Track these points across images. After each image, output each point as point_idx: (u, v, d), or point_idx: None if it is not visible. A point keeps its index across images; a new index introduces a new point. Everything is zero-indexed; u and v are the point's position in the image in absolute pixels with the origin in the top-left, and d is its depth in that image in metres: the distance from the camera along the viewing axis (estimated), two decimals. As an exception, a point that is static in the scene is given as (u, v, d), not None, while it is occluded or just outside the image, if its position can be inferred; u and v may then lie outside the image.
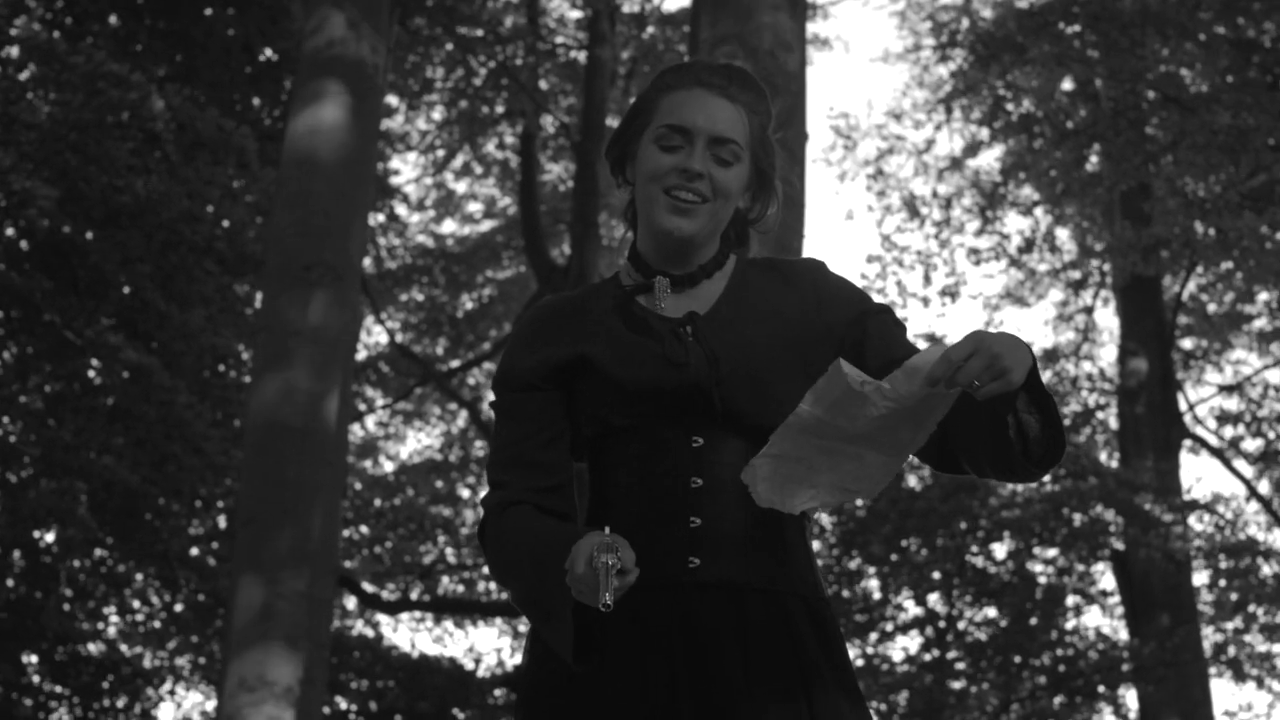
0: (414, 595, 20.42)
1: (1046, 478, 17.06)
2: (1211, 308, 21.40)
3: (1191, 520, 17.99)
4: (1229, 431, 20.42)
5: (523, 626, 21.17)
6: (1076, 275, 21.65)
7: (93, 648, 16.42)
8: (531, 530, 2.78)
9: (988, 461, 2.71)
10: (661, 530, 2.76)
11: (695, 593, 2.75)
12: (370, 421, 23.50)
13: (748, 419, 2.80)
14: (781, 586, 2.79)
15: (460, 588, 21.24)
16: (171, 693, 18.00)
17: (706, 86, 2.89)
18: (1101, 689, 17.16)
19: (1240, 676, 19.00)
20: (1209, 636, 18.76)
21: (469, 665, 19.71)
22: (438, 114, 21.97)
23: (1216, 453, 20.08)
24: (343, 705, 18.01)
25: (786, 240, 9.33)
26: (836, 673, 2.78)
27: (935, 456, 2.80)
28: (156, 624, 17.39)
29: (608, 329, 2.89)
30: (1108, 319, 32.57)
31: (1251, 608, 18.84)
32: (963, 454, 2.74)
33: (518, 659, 20.67)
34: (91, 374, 14.13)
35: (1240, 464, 20.30)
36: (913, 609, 17.27)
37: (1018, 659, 16.72)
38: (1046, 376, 18.89)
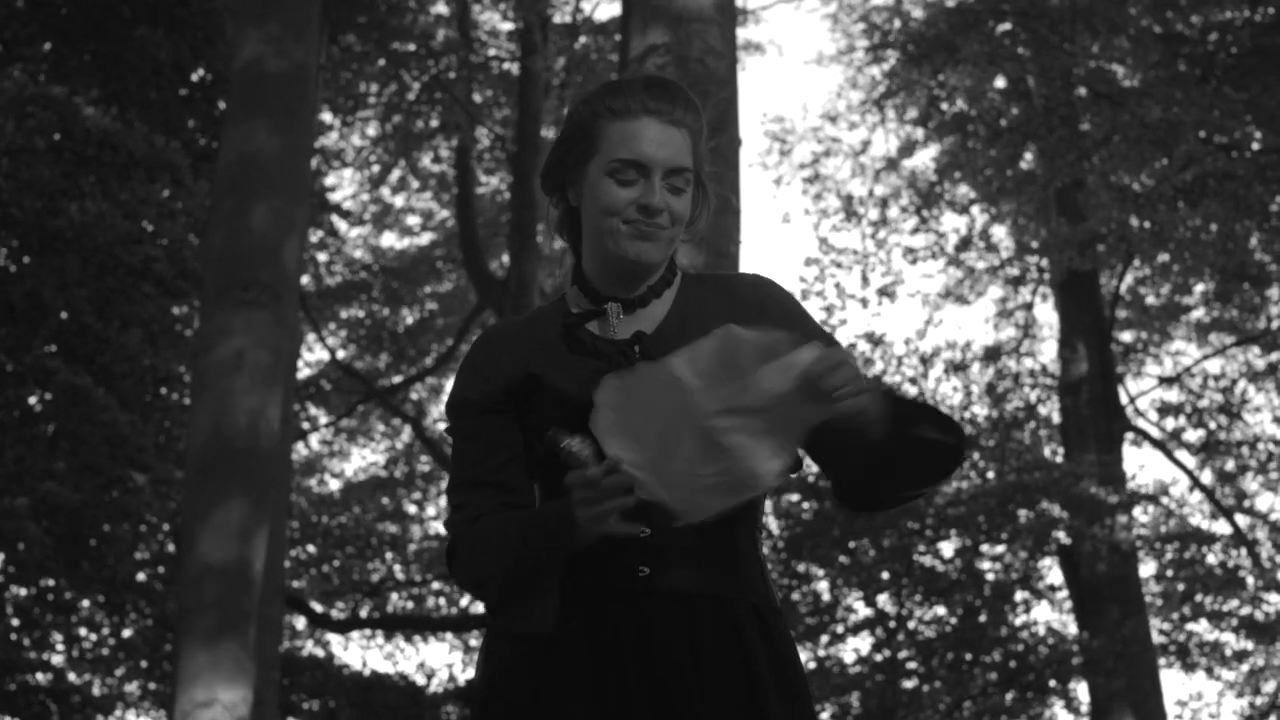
0: (363, 613, 20.36)
1: (990, 474, 17.15)
2: (1149, 300, 21.54)
3: (1136, 512, 18.09)
4: (1170, 423, 20.56)
5: (474, 641, 21.13)
6: (1014, 272, 21.75)
7: (40, 677, 16.29)
8: (507, 520, 2.82)
9: (908, 478, 2.83)
10: (611, 542, 2.75)
11: (646, 602, 2.78)
12: (314, 440, 23.41)
13: None
14: (732, 594, 2.82)
15: (410, 604, 21.19)
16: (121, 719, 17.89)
17: (655, 115, 2.89)
18: (1053, 683, 17.22)
19: (1189, 666, 19.11)
20: (1157, 627, 18.87)
21: (421, 681, 19.66)
22: (372, 129, 21.94)
23: (1158, 444, 20.21)
24: (295, 725, 17.93)
25: (721, 245, 9.33)
26: (786, 681, 2.83)
27: (842, 492, 2.90)
28: (105, 651, 17.27)
29: (556, 352, 2.91)
30: (1047, 314, 32.75)
31: (1198, 597, 18.96)
32: (875, 479, 2.84)
33: (470, 673, 20.62)
34: (32, 400, 14.03)
35: (1182, 455, 20.44)
36: (862, 610, 17.31)
37: (968, 656, 16.77)
38: (989, 373, 18.97)
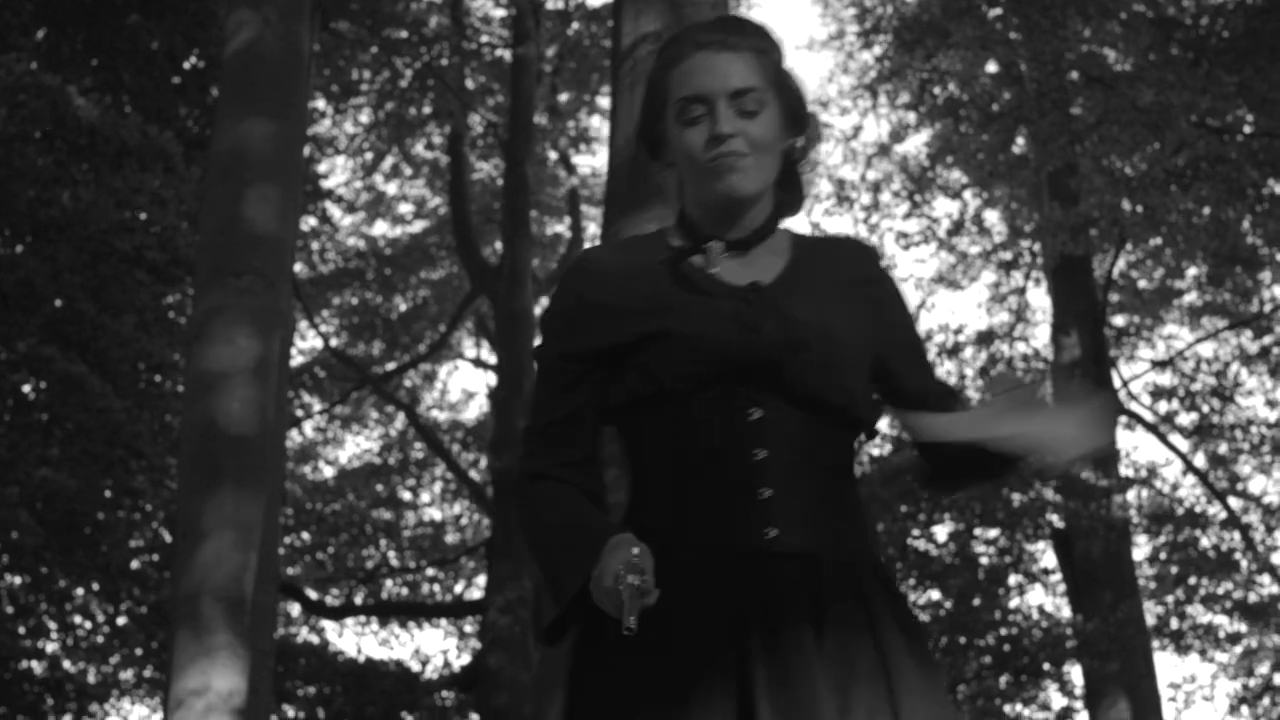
0: (358, 600, 20.38)
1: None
2: (1142, 284, 21.56)
3: (1130, 495, 18.13)
4: (1163, 406, 20.58)
5: (469, 626, 21.15)
6: (1007, 256, 21.76)
7: (35, 665, 16.29)
8: (560, 513, 2.76)
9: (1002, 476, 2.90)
10: (732, 502, 2.69)
11: (773, 563, 2.68)
12: (308, 427, 23.41)
13: (813, 392, 2.74)
14: (853, 556, 2.73)
15: (404, 590, 21.23)
16: (117, 707, 17.90)
17: (706, 47, 2.81)
18: (1047, 667, 17.26)
19: (1183, 649, 19.16)
20: (1151, 610, 18.90)
21: (415, 667, 19.69)
22: (365, 116, 21.92)
23: (1152, 428, 20.23)
24: (290, 713, 17.96)
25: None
26: (913, 643, 2.73)
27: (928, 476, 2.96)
28: (99, 639, 17.27)
29: (670, 290, 2.81)
30: (1040, 299, 32.74)
31: (1192, 580, 19.00)
32: (973, 475, 2.96)
33: (465, 659, 20.64)
34: (26, 388, 14.03)
35: (1175, 438, 20.47)
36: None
37: (962, 640, 16.80)
38: (982, 358, 19.00)
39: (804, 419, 2.73)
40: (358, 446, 24.21)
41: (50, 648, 16.79)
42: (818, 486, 2.73)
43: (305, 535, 19.96)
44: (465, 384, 56.66)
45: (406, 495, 22.90)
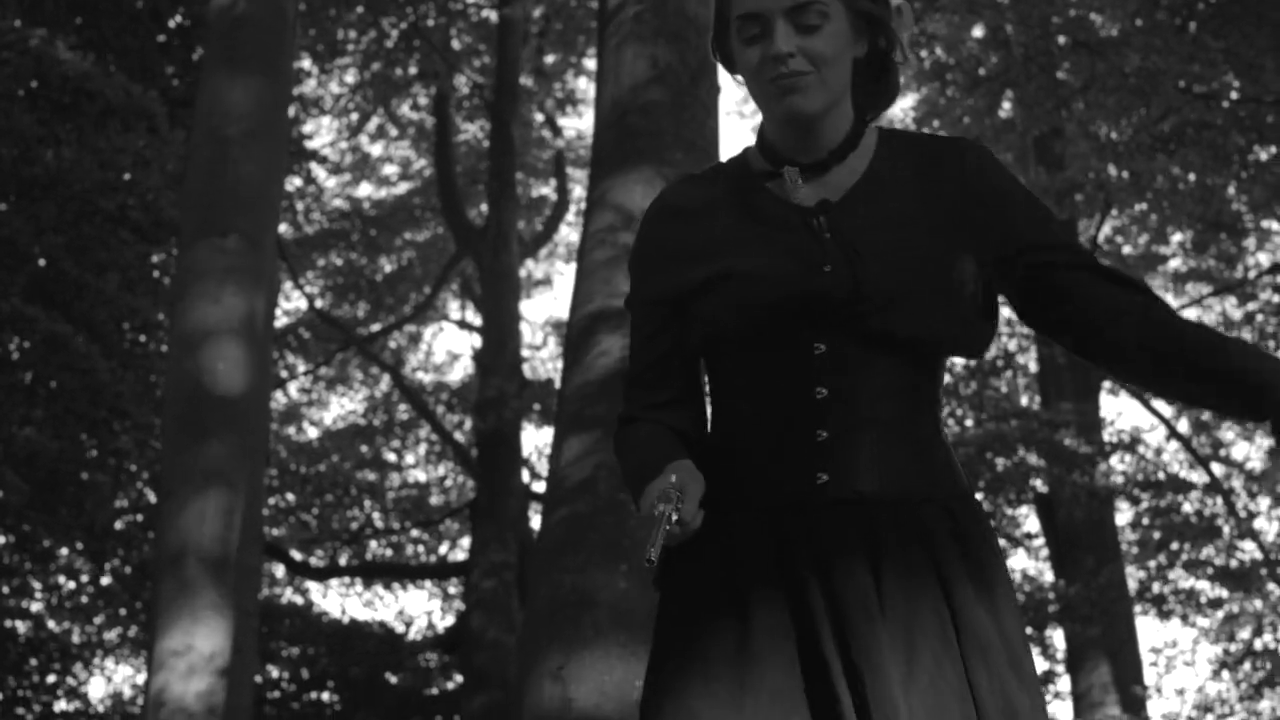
0: (342, 561, 20.40)
1: (968, 422, 17.20)
2: (1127, 250, 21.57)
3: (1113, 460, 18.18)
4: (1148, 371, 20.58)
5: (452, 588, 21.18)
6: (993, 221, 21.74)
7: (19, 625, 16.30)
8: (638, 450, 2.70)
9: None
10: (786, 444, 2.60)
11: (824, 511, 2.57)
12: (292, 388, 23.40)
13: (880, 325, 2.60)
14: (919, 496, 2.60)
15: (389, 552, 21.25)
16: (101, 667, 17.92)
17: None
18: (1029, 631, 17.33)
19: (1165, 613, 19.23)
20: (1133, 575, 18.97)
21: (399, 629, 19.71)
22: (350, 77, 21.86)
23: (1135, 394, 20.26)
24: (274, 673, 17.98)
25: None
26: (985, 579, 2.59)
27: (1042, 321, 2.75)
28: (84, 599, 17.28)
29: (736, 225, 2.70)
30: (1025, 264, 32.76)
31: (1174, 545, 19.06)
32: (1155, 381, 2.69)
33: (448, 621, 20.68)
34: (10, 348, 14.00)
35: (1159, 404, 20.50)
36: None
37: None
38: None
39: (868, 353, 2.61)
40: (342, 408, 24.26)
41: (34, 607, 16.81)
42: (885, 425, 2.60)
43: (290, 496, 19.96)
44: (450, 345, 56.59)
45: (391, 457, 22.90)
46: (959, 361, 18.38)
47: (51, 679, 16.46)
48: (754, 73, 2.65)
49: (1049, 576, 17.65)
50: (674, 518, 2.46)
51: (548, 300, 55.60)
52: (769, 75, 2.63)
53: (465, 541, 21.14)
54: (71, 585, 17.03)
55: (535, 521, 18.04)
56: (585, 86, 23.29)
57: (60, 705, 16.85)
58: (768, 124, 2.74)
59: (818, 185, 2.71)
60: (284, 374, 22.29)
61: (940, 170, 2.71)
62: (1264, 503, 20.06)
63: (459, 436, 21.51)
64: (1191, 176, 16.65)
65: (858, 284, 2.58)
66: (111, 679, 18.74)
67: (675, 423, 2.74)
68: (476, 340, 21.60)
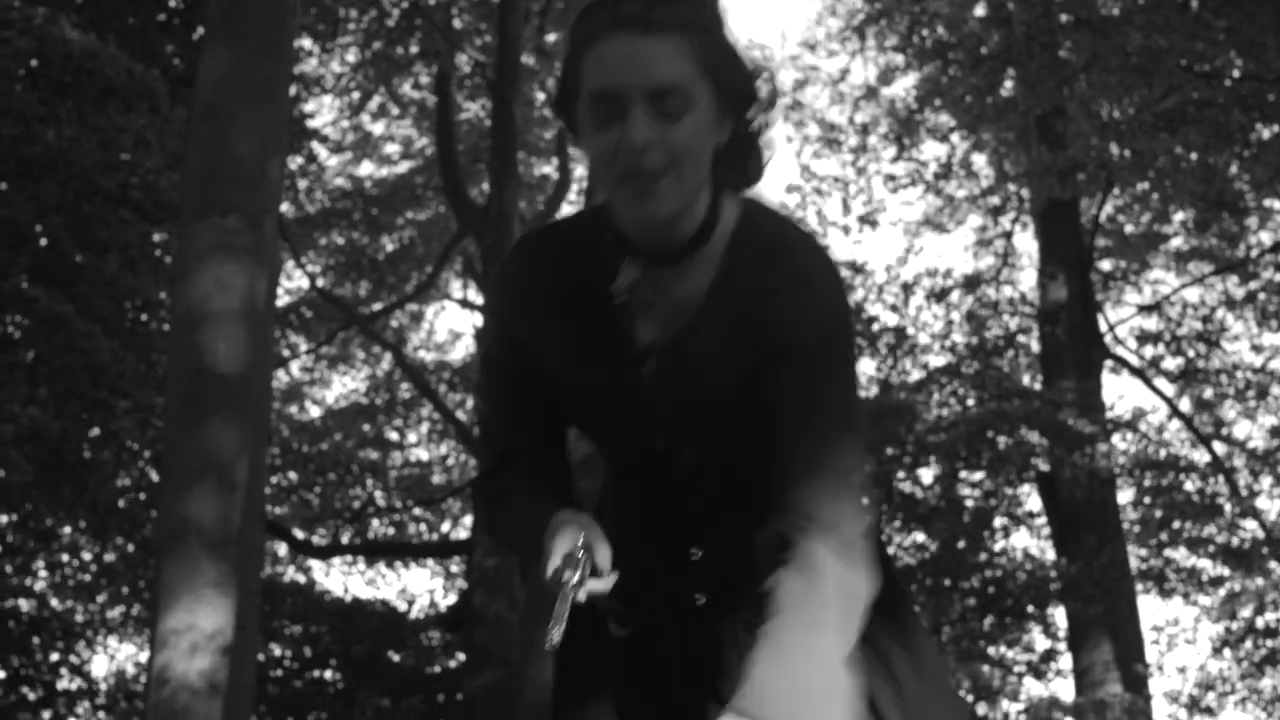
0: (345, 539, 20.42)
1: (970, 401, 17.20)
2: (1129, 229, 21.55)
3: (1115, 439, 18.18)
4: (1149, 351, 20.62)
5: (455, 567, 21.20)
6: (995, 200, 21.75)
7: (23, 603, 16.33)
8: (522, 519, 2.48)
9: None
10: (665, 558, 2.50)
11: (703, 624, 2.49)
12: (295, 367, 23.41)
13: (710, 492, 2.47)
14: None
15: (391, 530, 21.27)
16: (104, 645, 17.95)
17: (626, 26, 2.29)
18: (1031, 609, 17.35)
19: (1166, 592, 19.25)
20: (1135, 554, 18.99)
21: (402, 607, 19.74)
22: (352, 56, 21.83)
23: (1137, 372, 20.27)
24: (277, 651, 18.01)
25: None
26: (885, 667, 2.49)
27: None
28: (86, 577, 17.31)
29: (580, 360, 2.47)
30: (1027, 243, 32.79)
31: (1176, 524, 19.07)
32: None
33: (450, 599, 20.70)
34: (11, 328, 14.01)
35: (1161, 382, 20.51)
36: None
37: (948, 582, 16.88)
38: (969, 302, 19.00)
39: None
40: (344, 387, 24.23)
41: (38, 586, 16.84)
42: (749, 543, 2.41)
43: (292, 475, 19.97)
44: (452, 324, 56.62)
45: (393, 435, 22.92)
46: (961, 340, 18.38)
47: (55, 657, 16.49)
48: (604, 161, 2.33)
49: (1051, 555, 17.66)
50: (581, 587, 2.29)
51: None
52: (620, 169, 2.31)
53: (467, 520, 21.17)
54: (75, 564, 17.06)
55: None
56: (587, 65, 23.24)
57: (63, 683, 16.89)
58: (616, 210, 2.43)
59: (665, 284, 2.43)
60: (286, 353, 22.30)
61: (764, 316, 2.38)
62: (1266, 481, 20.07)
63: (461, 415, 21.51)
64: (1193, 155, 16.63)
65: (682, 454, 2.45)
66: (114, 657, 18.77)
67: (547, 484, 2.52)
68: (478, 319, 21.60)
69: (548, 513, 2.41)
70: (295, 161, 20.71)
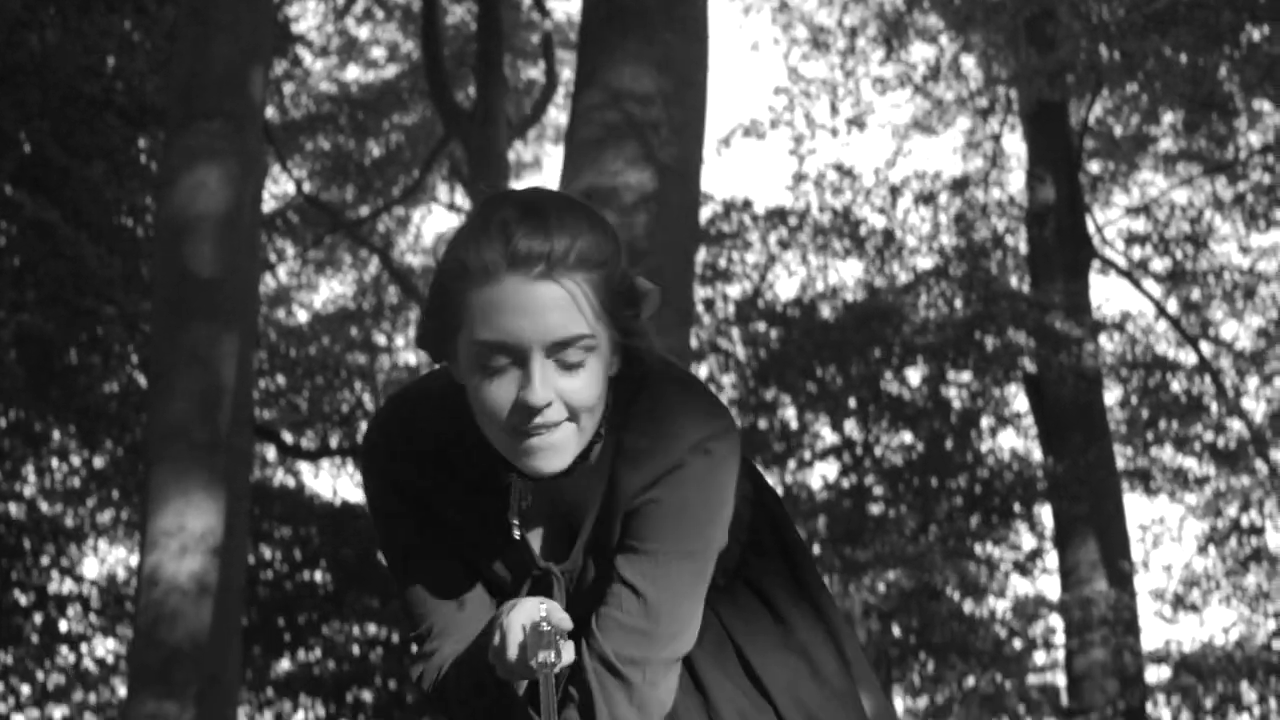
0: (333, 443, 20.44)
1: (958, 303, 17.23)
2: (1118, 131, 21.50)
3: (1102, 340, 18.22)
4: (1137, 252, 20.62)
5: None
6: (983, 103, 21.68)
7: (12, 508, 16.38)
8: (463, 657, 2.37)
9: None
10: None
11: None
12: (282, 271, 23.39)
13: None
14: None
15: (380, 434, 21.30)
16: (95, 550, 18.01)
17: (521, 268, 2.11)
18: (1017, 508, 17.43)
19: (1152, 491, 19.34)
20: (1121, 453, 19.07)
21: (391, 510, 19.77)
22: (337, -42, 21.69)
23: (1125, 273, 20.29)
24: (266, 554, 18.07)
25: (689, 74, 9.28)
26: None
27: None
28: (76, 482, 17.35)
29: (474, 527, 2.36)
30: (1015, 145, 32.67)
31: (1162, 423, 19.14)
32: None
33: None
34: (-3, 234, 13.99)
35: (1149, 284, 20.54)
36: (830, 436, 17.45)
37: (935, 482, 16.95)
38: (957, 204, 18.98)
39: None
40: (332, 291, 24.23)
41: (27, 491, 16.88)
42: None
43: (280, 379, 19.98)
44: (438, 228, 56.47)
45: (381, 340, 22.93)
46: (949, 242, 18.37)
47: (45, 561, 16.56)
48: (497, 416, 2.17)
49: (1037, 455, 17.74)
50: (559, 666, 2.16)
51: (536, 183, 55.38)
52: (515, 424, 2.16)
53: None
54: (64, 468, 17.10)
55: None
56: (573, -33, 23.14)
57: (54, 586, 16.97)
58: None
59: (549, 498, 2.33)
60: (273, 258, 22.27)
61: (631, 518, 2.29)
62: (1252, 382, 20.14)
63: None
64: (1183, 57, 16.56)
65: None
66: (105, 561, 18.84)
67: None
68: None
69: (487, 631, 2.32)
70: (280, 66, 20.60)
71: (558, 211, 2.16)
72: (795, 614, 2.49)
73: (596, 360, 2.17)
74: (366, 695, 18.41)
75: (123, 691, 16.22)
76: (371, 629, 17.77)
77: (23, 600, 16.52)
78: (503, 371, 2.14)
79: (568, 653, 2.19)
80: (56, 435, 16.23)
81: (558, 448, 2.18)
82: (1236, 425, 19.29)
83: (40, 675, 17.26)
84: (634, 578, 2.28)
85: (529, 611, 2.19)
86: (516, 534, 2.32)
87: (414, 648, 2.44)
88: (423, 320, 2.26)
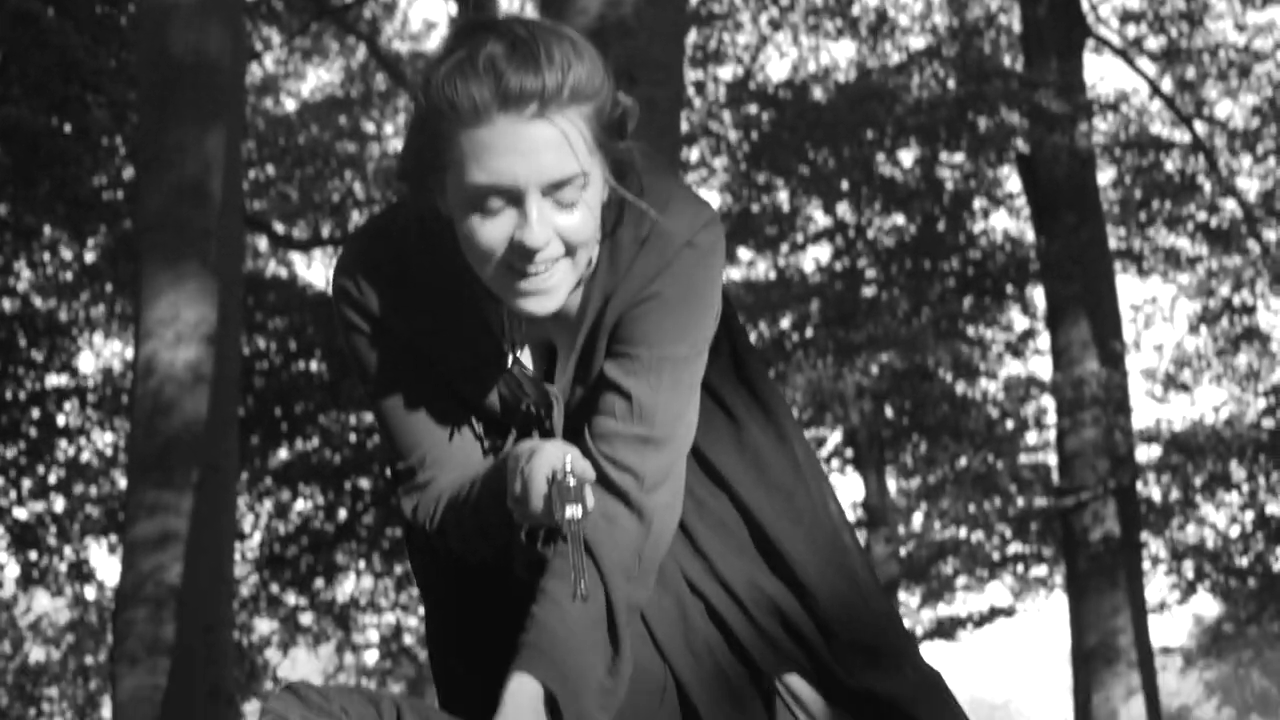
0: (325, 232, 20.40)
1: (950, 83, 17.10)
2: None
3: (1095, 119, 18.10)
4: (1132, 30, 20.40)
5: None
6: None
7: (5, 303, 16.38)
8: (468, 493, 2.35)
9: None
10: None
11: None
12: (268, 60, 23.13)
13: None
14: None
15: (371, 222, 21.27)
16: (90, 344, 18.06)
17: (514, 109, 2.08)
18: (1010, 289, 17.48)
19: (1144, 271, 19.35)
20: (1114, 233, 19.04)
21: (384, 300, 19.79)
22: None
23: (1119, 52, 20.09)
24: (261, 344, 18.12)
25: None
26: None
27: None
28: (68, 276, 17.34)
29: (460, 349, 2.35)
30: (1010, -78, 32.20)
31: (1155, 203, 19.09)
32: None
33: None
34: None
35: (1143, 62, 20.34)
36: (822, 219, 17.45)
37: (927, 264, 16.96)
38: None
39: None
40: (319, 79, 24.02)
41: (20, 287, 16.87)
42: None
43: (270, 169, 19.89)
44: (426, 14, 55.94)
45: (370, 127, 22.76)
46: (941, 21, 18.18)
47: (40, 357, 16.59)
48: (487, 256, 2.15)
49: (1030, 235, 17.72)
50: (586, 520, 2.14)
51: (525, -31, 54.67)
52: (512, 263, 2.15)
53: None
54: (56, 263, 17.07)
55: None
56: None
57: (52, 380, 17.04)
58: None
59: (537, 328, 2.33)
60: (259, 46, 22.02)
61: (620, 329, 2.29)
62: (1245, 160, 20.05)
63: (438, 107, 21.31)
64: None
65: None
66: (100, 354, 18.90)
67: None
68: (453, 8, 21.31)
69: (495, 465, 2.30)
70: None
71: (546, 45, 2.10)
72: (747, 416, 2.48)
73: (591, 195, 2.15)
74: (364, 483, 18.59)
75: (123, 484, 16.38)
76: (369, 417, 17.86)
77: (22, 396, 16.58)
78: (497, 213, 2.12)
79: (591, 502, 2.16)
80: (47, 229, 16.18)
81: (553, 290, 2.17)
82: (1230, 205, 19.24)
83: (40, 469, 17.39)
84: (625, 381, 2.28)
85: (551, 460, 2.15)
86: (511, 359, 2.32)
87: (400, 481, 2.39)
88: (405, 156, 2.22)
